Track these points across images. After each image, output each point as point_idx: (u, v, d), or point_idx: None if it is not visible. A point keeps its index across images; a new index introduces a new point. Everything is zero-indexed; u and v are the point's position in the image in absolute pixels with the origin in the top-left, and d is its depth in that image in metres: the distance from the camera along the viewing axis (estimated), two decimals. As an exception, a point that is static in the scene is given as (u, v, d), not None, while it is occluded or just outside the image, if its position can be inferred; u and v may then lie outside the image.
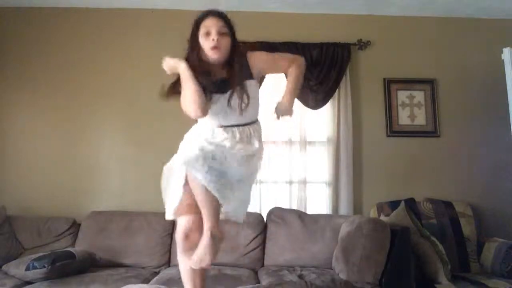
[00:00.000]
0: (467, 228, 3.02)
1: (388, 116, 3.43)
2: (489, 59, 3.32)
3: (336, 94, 3.33)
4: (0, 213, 2.91)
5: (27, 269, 2.30)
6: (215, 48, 1.59)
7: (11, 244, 2.83)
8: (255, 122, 1.77)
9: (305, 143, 3.31)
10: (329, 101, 3.32)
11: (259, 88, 1.81)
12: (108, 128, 3.33)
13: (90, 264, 2.59)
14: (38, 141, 3.28)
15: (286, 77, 1.76)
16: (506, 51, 2.83)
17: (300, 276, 2.43)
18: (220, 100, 1.64)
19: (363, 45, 3.46)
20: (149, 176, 3.22)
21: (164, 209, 1.83)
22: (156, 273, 2.63)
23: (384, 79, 3.47)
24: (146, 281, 2.42)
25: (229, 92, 1.63)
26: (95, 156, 3.29)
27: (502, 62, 2.86)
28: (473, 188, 3.32)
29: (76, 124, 3.31)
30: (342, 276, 2.40)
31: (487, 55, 3.37)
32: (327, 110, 3.36)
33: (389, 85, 3.46)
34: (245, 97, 1.63)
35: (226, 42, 1.62)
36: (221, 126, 1.68)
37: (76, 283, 2.27)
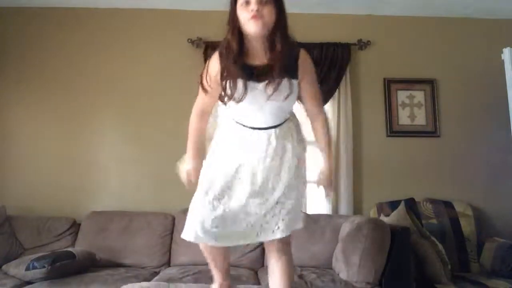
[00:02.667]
0: (467, 228, 3.02)
1: (388, 116, 3.42)
2: (489, 59, 3.31)
3: (336, 94, 3.33)
4: (0, 213, 2.91)
5: (27, 269, 2.30)
6: (255, 17, 1.36)
7: (11, 244, 2.82)
8: (288, 119, 1.58)
9: (305, 143, 3.30)
10: (329, 101, 3.32)
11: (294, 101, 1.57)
12: (108, 128, 3.33)
13: (90, 264, 2.59)
14: (38, 141, 3.28)
15: (315, 134, 1.66)
16: (506, 51, 2.82)
17: (300, 276, 2.43)
18: (255, 92, 1.43)
19: (363, 45, 3.46)
20: (149, 176, 3.25)
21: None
22: (156, 273, 2.62)
23: (384, 79, 3.47)
24: (146, 281, 2.42)
25: (266, 82, 1.42)
26: (95, 156, 3.29)
27: (502, 62, 2.86)
28: (473, 188, 3.32)
29: (76, 124, 3.31)
30: (342, 276, 2.40)
31: (487, 55, 3.37)
32: (327, 110, 3.34)
33: (389, 85, 3.46)
34: (284, 89, 1.43)
35: (270, 11, 1.39)
36: (252, 128, 1.53)
37: (76, 283, 2.27)
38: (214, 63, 1.48)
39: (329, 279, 2.33)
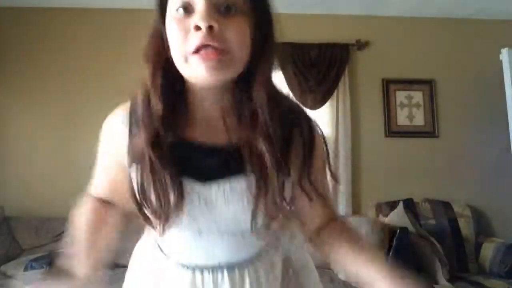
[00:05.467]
0: (466, 229, 3.02)
1: (386, 116, 3.42)
2: (487, 59, 3.32)
3: (334, 94, 3.33)
4: (-2, 213, 2.91)
5: (26, 269, 2.30)
6: (204, 51, 0.64)
7: (10, 245, 2.82)
8: (272, 247, 0.83)
9: (303, 143, 3.30)
10: (328, 101, 3.32)
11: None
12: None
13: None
14: (36, 141, 3.27)
15: (347, 259, 0.82)
16: (504, 51, 2.83)
17: (299, 277, 2.43)
18: (202, 202, 0.71)
19: (361, 45, 3.46)
20: (148, 177, 3.24)
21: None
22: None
23: (383, 79, 3.47)
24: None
25: (242, 178, 0.70)
26: (94, 157, 3.28)
27: (500, 63, 2.87)
28: (471, 188, 3.32)
29: (75, 124, 3.31)
30: (341, 276, 2.40)
31: (486, 56, 3.37)
32: (325, 111, 3.35)
33: (388, 85, 3.46)
34: (283, 198, 0.71)
35: (239, 29, 0.66)
36: (187, 267, 0.78)
37: (75, 283, 2.27)
38: (117, 131, 0.80)
39: (328, 279, 2.33)
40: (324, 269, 2.63)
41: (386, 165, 3.37)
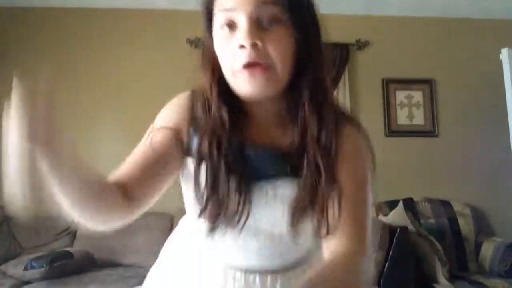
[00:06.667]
0: (466, 228, 3.03)
1: (386, 116, 3.43)
2: (487, 59, 3.32)
3: (334, 94, 3.33)
4: (-1, 213, 2.91)
5: (26, 269, 2.30)
6: (252, 66, 0.66)
7: (9, 244, 2.82)
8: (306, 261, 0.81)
9: (303, 143, 3.31)
10: (328, 101, 3.32)
11: None
12: (107, 128, 3.32)
13: (89, 264, 2.59)
14: (36, 141, 3.27)
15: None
16: (504, 51, 2.83)
17: (299, 276, 2.43)
18: (255, 196, 0.71)
19: (361, 45, 3.47)
20: (148, 176, 3.25)
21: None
22: (155, 273, 2.62)
23: (383, 79, 3.47)
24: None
25: (294, 185, 0.70)
26: (94, 156, 3.28)
27: (500, 62, 2.87)
28: (471, 187, 3.32)
29: (75, 123, 3.30)
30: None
31: (486, 55, 3.37)
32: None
33: (388, 85, 3.46)
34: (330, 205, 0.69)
35: (280, 42, 0.67)
36: (230, 268, 0.79)
37: (75, 283, 2.27)
38: (184, 105, 0.80)
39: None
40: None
41: (385, 164, 3.33)
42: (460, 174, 3.36)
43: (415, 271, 2.46)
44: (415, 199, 3.11)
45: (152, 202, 0.79)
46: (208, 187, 0.70)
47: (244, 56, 0.65)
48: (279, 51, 0.67)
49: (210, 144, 0.70)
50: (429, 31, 3.56)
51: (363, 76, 3.47)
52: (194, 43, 3.30)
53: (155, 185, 0.77)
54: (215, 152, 0.70)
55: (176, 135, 0.75)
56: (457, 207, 3.11)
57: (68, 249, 2.64)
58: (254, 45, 0.64)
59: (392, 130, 3.41)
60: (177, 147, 0.74)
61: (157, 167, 0.74)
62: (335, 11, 3.48)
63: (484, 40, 3.51)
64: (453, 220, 3.04)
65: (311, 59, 0.72)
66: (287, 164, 0.70)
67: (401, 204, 2.88)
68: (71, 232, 2.95)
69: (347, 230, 0.67)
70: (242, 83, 0.67)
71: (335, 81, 3.31)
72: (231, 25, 0.67)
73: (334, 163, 0.71)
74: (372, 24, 3.53)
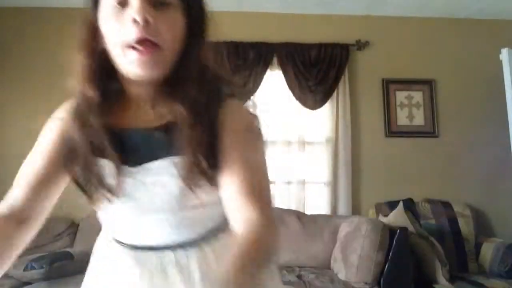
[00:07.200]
0: (466, 228, 3.03)
1: (386, 116, 3.42)
2: (487, 59, 3.32)
3: (334, 94, 3.33)
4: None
5: (25, 269, 2.30)
6: (142, 41, 0.66)
7: (9, 245, 2.82)
8: (210, 236, 0.80)
9: (303, 143, 3.31)
10: (328, 101, 3.32)
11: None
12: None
13: (89, 264, 2.59)
14: (36, 141, 3.27)
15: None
16: (504, 51, 2.84)
17: (299, 277, 2.43)
18: (142, 178, 0.74)
19: (361, 45, 3.46)
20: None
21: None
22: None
23: (383, 79, 3.47)
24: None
25: (174, 159, 0.72)
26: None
27: (500, 63, 2.87)
28: (471, 188, 3.33)
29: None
30: (341, 276, 2.40)
31: (486, 56, 3.37)
32: (325, 111, 3.35)
33: (388, 85, 3.46)
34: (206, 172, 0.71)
35: (172, 23, 0.70)
36: (135, 247, 0.80)
37: (74, 283, 2.26)
38: (61, 120, 0.83)
39: (328, 279, 2.33)
40: (324, 269, 2.64)
41: (386, 165, 3.37)
42: (460, 174, 3.36)
43: (415, 272, 2.46)
44: (415, 199, 3.11)
45: (45, 216, 0.80)
46: (79, 172, 0.73)
47: (136, 31, 0.65)
48: (170, 32, 0.69)
49: (78, 127, 0.73)
50: (429, 31, 3.57)
51: (363, 77, 3.47)
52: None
53: (50, 200, 0.80)
54: (79, 134, 0.72)
55: (58, 148, 0.77)
56: (457, 207, 3.11)
57: (68, 249, 2.64)
58: (146, 21, 0.65)
59: (392, 131, 3.41)
60: (61, 159, 0.76)
61: (48, 184, 0.78)
62: (335, 11, 3.48)
63: (484, 40, 3.51)
64: (453, 221, 3.04)
65: (196, 44, 0.74)
66: (165, 145, 0.71)
67: (401, 204, 2.88)
68: (71, 233, 2.96)
69: (247, 205, 0.68)
70: (130, 62, 0.68)
71: (335, 82, 3.31)
72: (122, 3, 0.67)
73: (218, 140, 0.72)
74: (372, 24, 3.53)
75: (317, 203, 3.33)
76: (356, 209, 3.27)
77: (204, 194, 0.72)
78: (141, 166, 0.73)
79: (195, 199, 0.73)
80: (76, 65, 0.79)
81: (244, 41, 3.26)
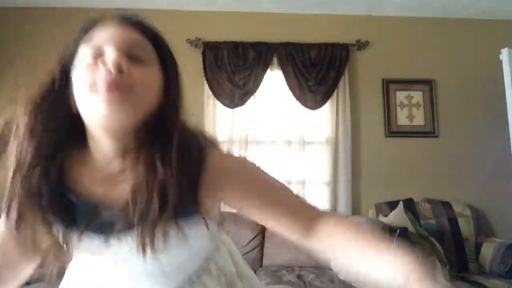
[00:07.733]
0: (466, 228, 3.03)
1: (386, 116, 3.42)
2: (487, 59, 3.32)
3: (334, 94, 3.33)
4: (-2, 213, 2.91)
5: (25, 269, 2.30)
6: (109, 87, 0.61)
7: (9, 245, 2.82)
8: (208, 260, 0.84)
9: (303, 143, 3.31)
10: (328, 101, 3.32)
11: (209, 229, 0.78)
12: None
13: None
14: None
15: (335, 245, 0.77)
16: (504, 51, 2.83)
17: (299, 277, 2.43)
18: (110, 251, 0.73)
19: (361, 45, 3.46)
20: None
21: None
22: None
23: (383, 79, 3.47)
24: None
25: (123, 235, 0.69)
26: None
27: (500, 62, 2.87)
28: (471, 188, 3.33)
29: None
30: (341, 276, 2.40)
31: (486, 56, 3.37)
32: (325, 111, 3.35)
33: (388, 85, 3.46)
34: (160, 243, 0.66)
35: (145, 77, 0.66)
36: None
37: (74, 283, 2.27)
38: None
39: (328, 279, 2.33)
40: (324, 269, 2.64)
41: (386, 165, 3.37)
42: (460, 174, 3.36)
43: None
44: (415, 199, 3.11)
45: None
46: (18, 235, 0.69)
47: (107, 74, 0.61)
48: (145, 83, 0.65)
49: (21, 183, 0.67)
50: (429, 31, 3.57)
51: (363, 77, 3.47)
52: (194, 43, 3.30)
53: (23, 273, 0.83)
54: (23, 190, 0.66)
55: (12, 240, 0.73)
56: (457, 207, 3.11)
57: (68, 249, 2.64)
58: (120, 68, 0.62)
59: (392, 131, 3.41)
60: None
61: (13, 268, 0.79)
62: (335, 11, 3.48)
63: (484, 40, 3.51)
64: (453, 221, 3.04)
65: (170, 105, 0.69)
66: (121, 219, 0.66)
67: (401, 204, 2.88)
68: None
69: (298, 218, 0.76)
70: (96, 101, 0.61)
71: (335, 82, 3.31)
72: (98, 55, 0.64)
73: (224, 196, 0.74)
74: (372, 24, 3.53)
75: (317, 203, 3.32)
76: (356, 209, 3.27)
77: (173, 238, 0.68)
78: (110, 239, 0.70)
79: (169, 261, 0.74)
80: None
81: (244, 41, 3.26)
